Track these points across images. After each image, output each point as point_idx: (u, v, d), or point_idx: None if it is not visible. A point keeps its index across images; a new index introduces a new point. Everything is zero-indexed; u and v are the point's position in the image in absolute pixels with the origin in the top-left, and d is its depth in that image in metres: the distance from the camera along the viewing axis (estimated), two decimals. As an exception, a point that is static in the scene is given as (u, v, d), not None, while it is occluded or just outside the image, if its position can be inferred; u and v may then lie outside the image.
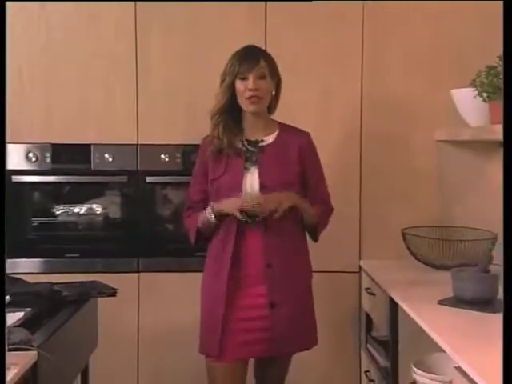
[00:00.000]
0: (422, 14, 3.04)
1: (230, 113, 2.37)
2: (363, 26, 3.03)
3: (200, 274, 2.52)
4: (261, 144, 2.39)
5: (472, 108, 2.81)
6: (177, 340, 2.99)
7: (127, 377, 3.02)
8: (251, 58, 2.33)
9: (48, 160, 3.00)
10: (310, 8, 3.01)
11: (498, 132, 2.55)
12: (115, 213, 3.09)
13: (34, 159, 2.97)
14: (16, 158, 2.97)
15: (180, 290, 3.00)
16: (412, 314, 2.19)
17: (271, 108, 2.44)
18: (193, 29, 3.02)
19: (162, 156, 3.02)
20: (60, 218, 3.06)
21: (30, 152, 2.98)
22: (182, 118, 3.01)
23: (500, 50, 2.72)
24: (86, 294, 2.32)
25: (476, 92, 2.69)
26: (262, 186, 2.33)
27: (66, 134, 3.00)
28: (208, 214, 2.34)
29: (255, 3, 3.01)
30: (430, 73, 3.04)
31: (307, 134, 2.45)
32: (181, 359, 2.99)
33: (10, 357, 1.65)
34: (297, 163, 2.37)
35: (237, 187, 2.33)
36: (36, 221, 3.05)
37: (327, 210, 2.48)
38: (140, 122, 3.02)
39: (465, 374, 1.69)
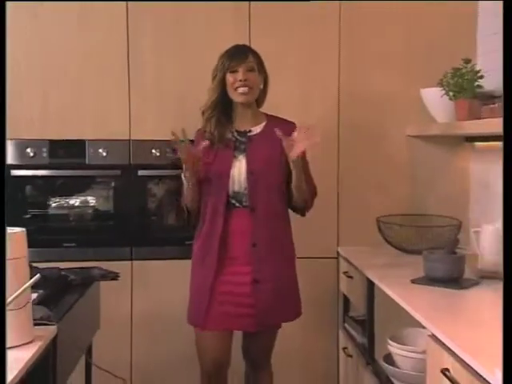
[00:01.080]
0: (396, 16, 3.23)
1: (221, 107, 2.53)
2: (340, 27, 3.20)
3: (189, 261, 2.71)
4: (249, 134, 2.55)
5: (439, 106, 3.02)
6: (167, 321, 3.14)
7: (123, 354, 3.17)
8: (240, 53, 2.51)
9: (45, 155, 3.12)
10: (291, 9, 3.18)
11: (463, 128, 2.79)
12: (109, 204, 3.22)
13: (31, 154, 3.09)
14: (15, 153, 3.10)
15: (170, 276, 3.15)
16: (389, 292, 2.38)
17: (259, 102, 2.60)
18: (181, 30, 3.16)
19: (153, 151, 3.16)
20: (56, 210, 3.19)
21: (27, 147, 3.09)
22: (172, 115, 3.13)
23: (465, 53, 2.98)
24: (90, 278, 2.47)
25: (443, 91, 2.92)
26: (249, 173, 2.48)
27: (62, 130, 3.12)
28: (183, 178, 2.48)
29: (240, 3, 3.16)
30: (402, 72, 3.23)
31: (293, 124, 2.55)
32: (170, 338, 3.15)
33: (35, 331, 1.83)
34: (283, 151, 2.45)
35: (225, 173, 2.49)
36: (34, 212, 3.15)
37: (313, 190, 2.60)
38: (132, 118, 3.15)
39: (438, 341, 1.88)
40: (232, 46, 2.56)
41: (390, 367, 2.50)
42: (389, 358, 2.56)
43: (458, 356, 1.73)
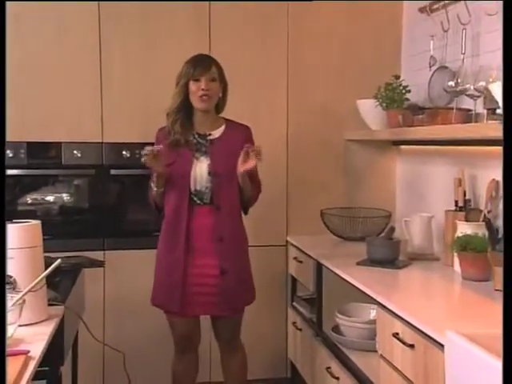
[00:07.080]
0: (334, 39, 3.46)
1: (184, 111, 2.57)
2: (288, 47, 3.41)
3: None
4: (209, 137, 2.60)
5: (373, 114, 3.30)
6: (135, 306, 3.24)
7: (95, 335, 3.23)
8: (204, 63, 2.54)
9: (23, 156, 3.17)
10: (248, 26, 3.37)
11: (392, 134, 3.07)
12: (84, 200, 3.31)
13: (10, 155, 3.14)
14: (-5, 154, 3.15)
15: (139, 264, 3.24)
16: (339, 273, 2.59)
17: (220, 108, 2.65)
18: (148, 46, 3.28)
19: (124, 152, 3.26)
20: (34, 206, 3.24)
21: (7, 149, 3.12)
22: (140, 120, 3.26)
23: (391, 71, 3.25)
24: (79, 265, 2.57)
25: (377, 103, 3.18)
26: (212, 173, 2.53)
27: (40, 133, 3.19)
28: (152, 184, 2.57)
29: (201, 26, 3.30)
30: (339, 86, 3.46)
31: (248, 128, 2.67)
32: (137, 319, 3.29)
33: (50, 310, 1.94)
34: (239, 153, 2.52)
35: (187, 173, 2.53)
36: (14, 208, 3.19)
37: (258, 190, 2.69)
38: (104, 123, 3.24)
39: (387, 311, 2.11)
40: (196, 55, 2.59)
41: (338, 336, 2.74)
42: (336, 329, 2.80)
43: (406, 321, 1.96)
